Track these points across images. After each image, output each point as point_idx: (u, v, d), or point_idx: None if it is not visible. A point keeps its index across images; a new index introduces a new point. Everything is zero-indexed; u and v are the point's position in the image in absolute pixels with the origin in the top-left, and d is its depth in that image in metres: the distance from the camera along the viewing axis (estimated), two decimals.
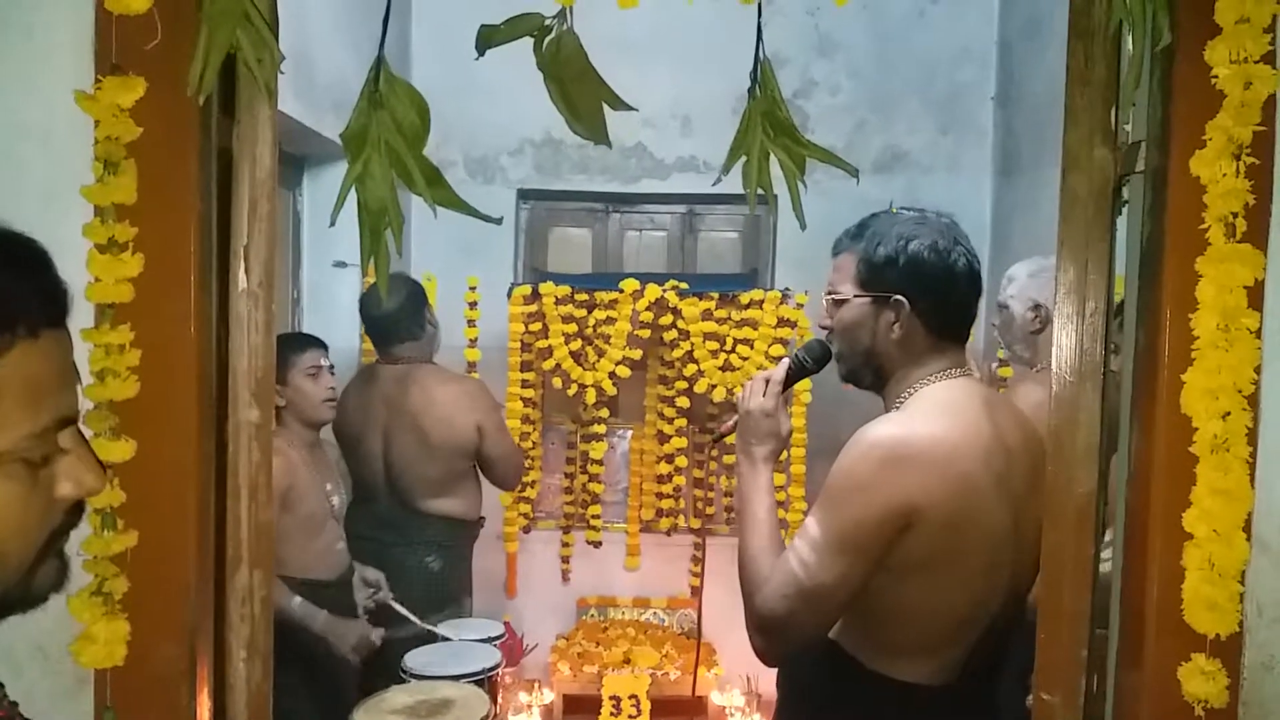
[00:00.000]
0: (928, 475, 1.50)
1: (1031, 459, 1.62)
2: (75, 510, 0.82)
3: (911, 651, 1.61)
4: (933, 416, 1.58)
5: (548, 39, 1.42)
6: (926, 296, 1.63)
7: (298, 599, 2.67)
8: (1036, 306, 2.57)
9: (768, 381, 1.76)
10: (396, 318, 3.19)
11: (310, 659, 2.69)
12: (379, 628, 2.84)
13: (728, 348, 3.84)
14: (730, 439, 1.85)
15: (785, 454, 3.87)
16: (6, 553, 0.77)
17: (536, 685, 3.76)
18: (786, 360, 1.79)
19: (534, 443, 4.07)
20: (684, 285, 3.85)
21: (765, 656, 1.62)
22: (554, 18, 1.42)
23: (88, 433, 1.39)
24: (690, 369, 3.86)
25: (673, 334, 3.85)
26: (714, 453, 4.18)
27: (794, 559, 1.55)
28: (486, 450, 3.20)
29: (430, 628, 2.98)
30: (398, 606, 2.99)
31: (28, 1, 1.43)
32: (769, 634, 1.58)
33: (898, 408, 1.65)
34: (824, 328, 1.75)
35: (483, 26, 1.42)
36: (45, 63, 1.43)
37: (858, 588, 1.53)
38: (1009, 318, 2.65)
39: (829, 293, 1.73)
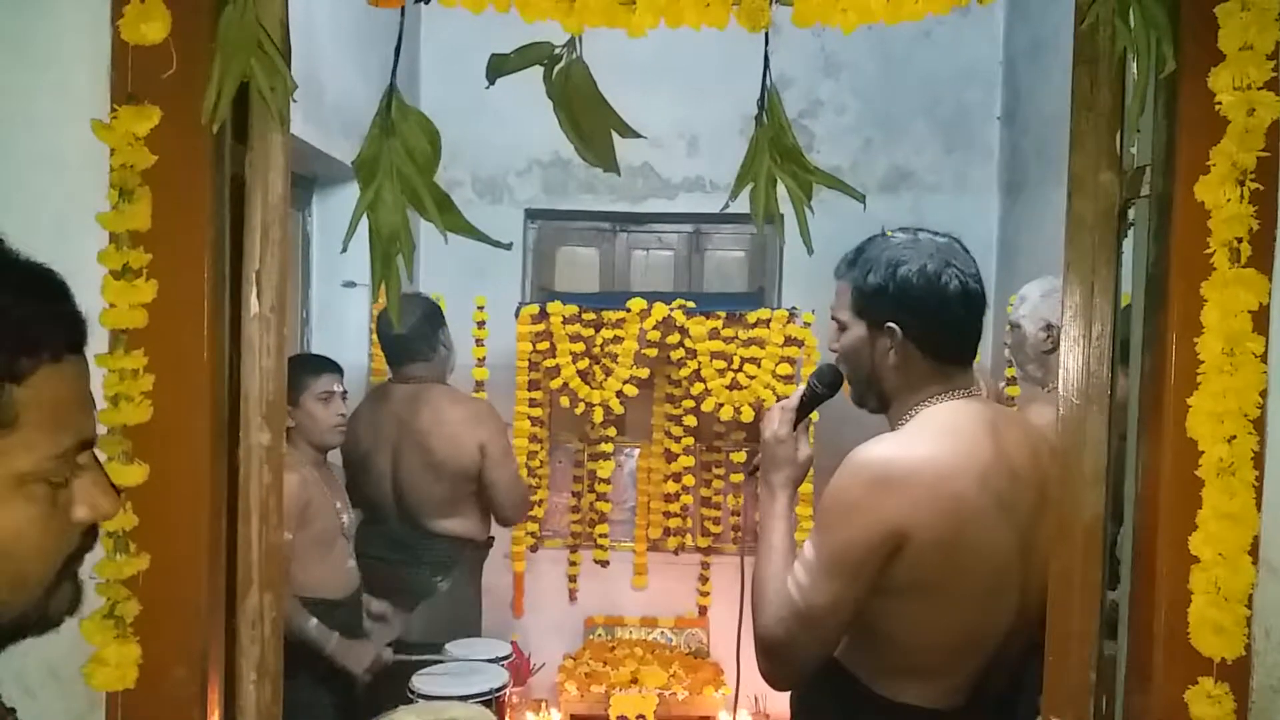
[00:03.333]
0: (916, 497, 1.50)
1: (1042, 480, 1.60)
2: (90, 534, 0.83)
3: (912, 674, 1.60)
4: (926, 438, 1.59)
5: (557, 68, 1.44)
6: (918, 321, 1.63)
7: (314, 620, 2.67)
8: (1049, 326, 2.56)
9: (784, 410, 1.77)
10: (409, 338, 3.21)
11: (320, 681, 2.70)
12: (389, 647, 2.85)
13: (735, 366, 3.84)
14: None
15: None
16: (26, 574, 0.78)
17: (544, 705, 3.76)
18: (802, 388, 1.79)
19: (541, 461, 4.08)
20: (691, 304, 3.85)
21: (770, 679, 1.63)
22: (563, 46, 1.44)
23: (101, 457, 1.40)
24: (697, 388, 3.86)
25: (680, 353, 3.86)
26: (719, 470, 4.18)
27: (791, 582, 1.56)
28: (487, 473, 3.18)
29: (438, 650, 2.98)
30: (408, 641, 2.97)
31: (45, 32, 1.46)
32: (771, 657, 1.59)
33: (899, 430, 1.66)
34: (833, 350, 1.77)
35: (493, 56, 1.43)
36: (62, 92, 1.45)
37: (853, 609, 1.54)
38: (1021, 337, 2.65)
39: (833, 317, 1.74)
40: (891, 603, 1.55)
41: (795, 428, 1.75)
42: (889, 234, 1.70)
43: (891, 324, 1.63)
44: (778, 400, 1.86)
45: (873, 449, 1.57)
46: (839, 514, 1.54)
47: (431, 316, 3.26)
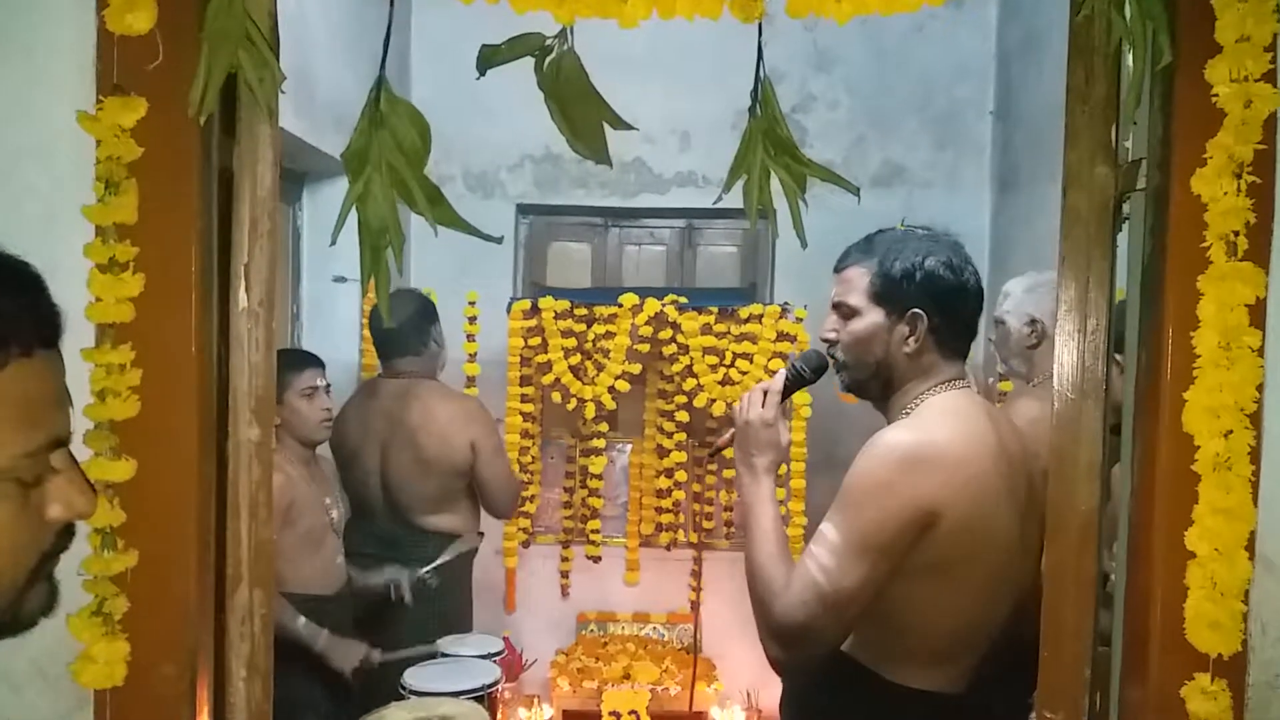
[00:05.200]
0: (946, 477, 1.54)
1: (1029, 470, 1.67)
2: (65, 533, 0.82)
3: (929, 659, 1.63)
4: (945, 422, 1.62)
5: (548, 59, 1.42)
6: (940, 312, 1.67)
7: (302, 619, 2.66)
8: (1033, 321, 2.57)
9: (766, 392, 1.75)
10: (400, 332, 3.19)
11: (311, 677, 2.69)
12: (377, 649, 2.83)
13: (727, 362, 3.83)
14: (728, 452, 1.86)
15: (784, 467, 3.88)
16: None
17: (536, 701, 3.74)
18: (784, 371, 1.79)
19: (533, 457, 4.06)
20: (683, 299, 3.84)
21: (781, 666, 1.62)
22: (554, 37, 1.42)
23: (88, 452, 1.39)
24: (689, 383, 3.85)
25: (672, 348, 3.85)
26: (711, 466, 4.14)
27: (813, 565, 1.54)
28: (479, 470, 3.17)
29: (428, 650, 2.97)
30: (388, 657, 2.92)
31: (30, 22, 1.44)
32: (788, 642, 1.57)
33: (904, 418, 1.68)
34: (827, 340, 1.76)
35: (484, 46, 1.42)
36: (47, 83, 1.43)
37: (875, 592, 1.55)
38: (1005, 333, 2.65)
39: (836, 304, 1.74)
40: (914, 585, 1.57)
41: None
42: (903, 227, 1.74)
43: (917, 311, 1.66)
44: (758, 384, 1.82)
45: (899, 433, 1.61)
46: (870, 495, 1.55)
47: (424, 311, 3.24)
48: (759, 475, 1.71)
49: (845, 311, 1.72)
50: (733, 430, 1.80)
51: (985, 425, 1.63)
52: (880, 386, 1.73)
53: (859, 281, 1.71)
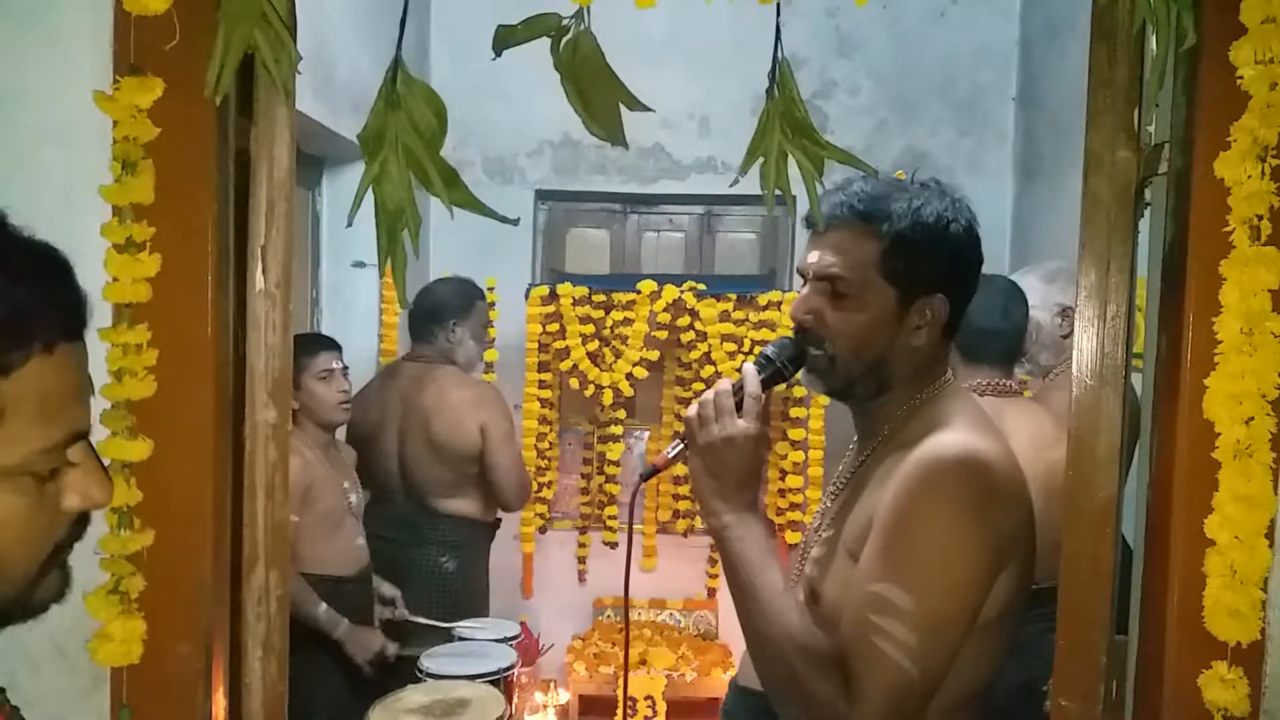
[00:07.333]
0: (1017, 501, 1.31)
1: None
2: (80, 522, 0.81)
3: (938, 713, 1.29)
4: (981, 434, 1.31)
5: (565, 39, 1.41)
6: (963, 294, 1.38)
7: (324, 606, 2.68)
8: (1064, 310, 2.52)
9: (740, 397, 1.34)
10: (414, 316, 3.21)
11: (328, 660, 2.71)
12: (395, 642, 2.85)
13: (745, 349, 3.82)
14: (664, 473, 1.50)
15: (802, 455, 3.86)
16: (11, 565, 0.76)
17: (552, 685, 3.76)
18: (752, 369, 1.38)
19: (551, 443, 4.07)
20: (702, 286, 3.84)
21: None
22: (571, 18, 1.41)
23: (105, 432, 1.40)
24: (708, 370, 3.85)
25: (690, 335, 3.84)
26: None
27: (889, 646, 1.18)
28: (487, 456, 3.16)
29: (449, 625, 2.99)
30: (417, 619, 3.01)
31: (46, 3, 1.44)
32: None
33: (892, 424, 1.39)
34: (803, 323, 1.39)
35: (500, 26, 1.41)
36: (64, 64, 1.44)
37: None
38: (1035, 327, 2.59)
39: (821, 276, 1.37)
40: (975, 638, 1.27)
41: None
42: (902, 176, 1.43)
43: (940, 294, 1.34)
44: (725, 384, 1.39)
45: (948, 452, 1.26)
46: (945, 543, 1.22)
47: (452, 304, 3.23)
48: (747, 517, 1.29)
49: (840, 288, 1.34)
50: (680, 446, 1.39)
51: (997, 428, 1.38)
52: (873, 387, 1.38)
53: (859, 249, 1.34)
